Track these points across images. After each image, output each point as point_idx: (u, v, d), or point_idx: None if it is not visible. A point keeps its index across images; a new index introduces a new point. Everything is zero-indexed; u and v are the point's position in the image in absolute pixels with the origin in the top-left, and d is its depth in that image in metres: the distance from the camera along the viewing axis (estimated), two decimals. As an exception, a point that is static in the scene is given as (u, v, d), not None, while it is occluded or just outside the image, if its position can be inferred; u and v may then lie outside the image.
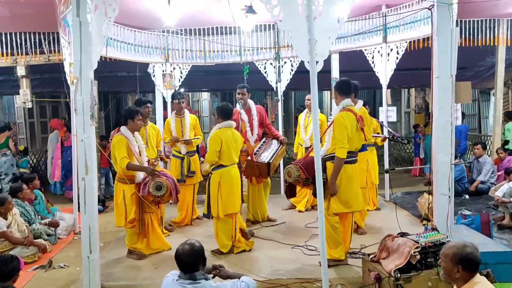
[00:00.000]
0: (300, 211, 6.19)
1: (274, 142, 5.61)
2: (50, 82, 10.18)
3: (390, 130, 6.08)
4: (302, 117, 6.36)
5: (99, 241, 3.79)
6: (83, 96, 3.45)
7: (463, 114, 9.78)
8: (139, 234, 4.62)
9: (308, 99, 6.07)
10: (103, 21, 3.62)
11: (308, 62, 3.25)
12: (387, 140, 5.97)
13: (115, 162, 4.43)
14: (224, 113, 4.64)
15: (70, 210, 6.00)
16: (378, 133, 5.98)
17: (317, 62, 3.27)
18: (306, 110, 6.33)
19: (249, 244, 4.78)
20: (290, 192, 4.80)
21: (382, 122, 6.30)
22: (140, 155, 4.57)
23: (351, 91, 4.28)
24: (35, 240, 4.81)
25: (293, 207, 6.35)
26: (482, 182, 7.12)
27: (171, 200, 4.61)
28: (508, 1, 6.25)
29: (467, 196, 6.98)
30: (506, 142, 8.75)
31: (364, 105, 5.89)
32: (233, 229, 4.62)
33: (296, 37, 3.26)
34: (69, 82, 5.46)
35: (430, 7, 3.76)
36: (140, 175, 4.53)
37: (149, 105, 5.32)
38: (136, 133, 4.63)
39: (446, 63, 3.67)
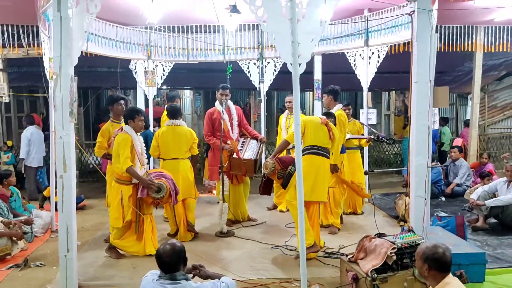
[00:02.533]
0: (281, 211, 6.23)
1: (253, 141, 5.64)
2: (29, 76, 9.94)
3: (374, 131, 6.16)
4: (283, 119, 6.36)
5: (77, 239, 3.74)
6: (62, 93, 3.40)
7: (446, 119, 10.02)
8: (136, 236, 4.54)
9: (289, 101, 6.07)
10: (85, 17, 3.57)
11: (291, 64, 3.28)
12: (371, 141, 6.04)
13: (116, 161, 4.31)
14: (171, 113, 5.17)
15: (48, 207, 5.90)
16: (363, 134, 6.06)
17: (299, 64, 3.30)
18: (287, 111, 6.31)
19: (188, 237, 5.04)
20: (265, 188, 4.89)
21: (365, 123, 6.38)
22: (141, 154, 4.52)
23: (329, 115, 4.93)
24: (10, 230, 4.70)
25: (275, 207, 6.38)
26: (458, 185, 7.30)
27: (170, 201, 4.57)
28: (485, 10, 6.42)
29: (443, 198, 7.15)
30: (441, 144, 9.04)
31: (347, 105, 6.00)
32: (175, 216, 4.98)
33: (279, 39, 3.29)
34: (48, 77, 5.36)
35: (411, 13, 3.83)
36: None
37: (122, 102, 5.03)
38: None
39: (424, 69, 3.75)
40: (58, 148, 3.44)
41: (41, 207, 6.42)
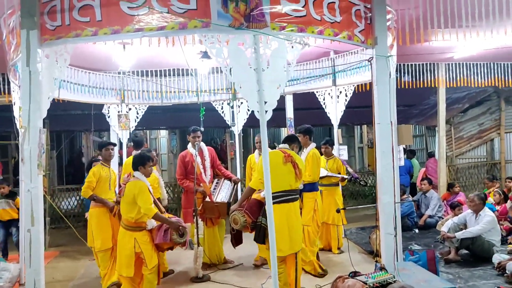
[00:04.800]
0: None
1: (227, 182, 5.67)
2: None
3: (350, 171, 6.28)
4: (255, 159, 6.01)
5: (46, 293, 3.63)
6: (30, 146, 3.40)
7: (413, 151, 10.33)
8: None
9: (259, 141, 5.81)
10: (54, 70, 3.64)
11: (257, 111, 3.40)
12: (346, 180, 6.14)
13: (131, 209, 4.21)
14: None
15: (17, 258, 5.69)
16: (339, 173, 6.12)
17: (266, 111, 3.42)
18: (257, 151, 6.03)
19: None
20: (236, 240, 4.66)
21: (345, 162, 6.48)
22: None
23: (291, 141, 4.57)
24: None
25: (265, 261, 5.60)
26: (430, 216, 7.46)
27: (184, 245, 4.49)
28: (444, 48, 6.82)
29: (416, 230, 7.27)
30: (411, 176, 9.34)
31: (326, 144, 6.13)
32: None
33: (245, 88, 3.42)
34: (18, 126, 5.32)
35: (370, 59, 4.05)
36: (153, 222, 4.36)
37: (110, 147, 5.28)
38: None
39: (385, 111, 3.93)
40: (26, 201, 3.40)
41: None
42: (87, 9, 3.34)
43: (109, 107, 7.57)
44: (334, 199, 6.09)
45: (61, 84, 6.16)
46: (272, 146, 7.84)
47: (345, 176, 6.03)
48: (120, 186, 5.34)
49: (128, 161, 5.76)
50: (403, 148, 5.42)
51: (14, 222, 6.33)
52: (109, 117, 7.62)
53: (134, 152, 5.87)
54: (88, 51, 5.93)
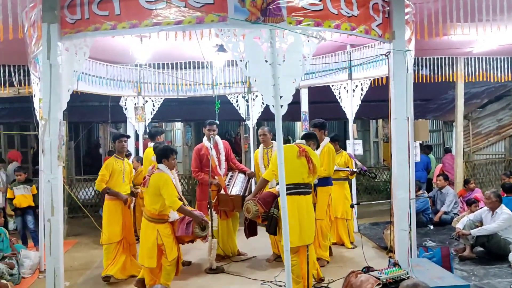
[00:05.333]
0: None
1: (241, 175, 5.71)
2: (19, 112, 10.02)
3: (358, 164, 6.26)
4: (258, 155, 5.82)
5: (65, 280, 3.73)
6: (51, 137, 3.48)
7: (430, 147, 10.19)
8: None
9: (263, 134, 5.71)
10: (74, 63, 3.71)
11: (273, 106, 3.42)
12: (355, 174, 6.13)
13: (155, 200, 4.27)
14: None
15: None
16: (348, 167, 6.11)
17: (281, 106, 3.44)
18: (261, 146, 5.80)
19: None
20: (250, 230, 4.79)
21: (352, 155, 6.48)
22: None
23: (309, 138, 4.62)
24: None
25: (277, 257, 5.55)
26: (445, 213, 7.39)
27: (205, 238, 4.58)
28: (463, 42, 6.70)
29: (431, 227, 7.21)
30: (428, 171, 9.20)
31: (334, 139, 6.09)
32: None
33: (261, 82, 3.44)
34: (38, 117, 5.44)
35: (387, 54, 4.02)
36: (175, 214, 4.44)
37: (123, 139, 5.27)
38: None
39: (402, 106, 3.90)
40: (46, 192, 3.50)
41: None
42: (106, 3, 3.39)
43: (126, 99, 7.67)
44: (343, 193, 6.08)
45: (80, 76, 6.27)
46: (286, 140, 7.75)
47: (354, 169, 6.02)
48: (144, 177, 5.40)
49: (147, 152, 5.86)
50: (419, 144, 5.37)
51: (30, 210, 6.50)
52: (126, 109, 7.72)
53: (150, 144, 5.95)
54: (106, 44, 6.00)
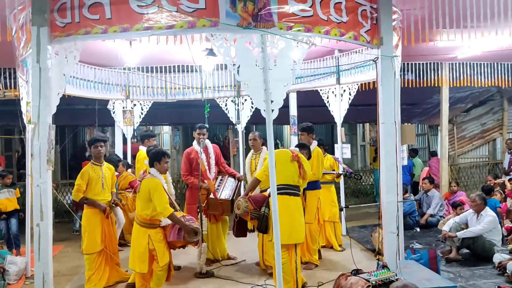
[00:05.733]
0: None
1: (231, 179, 5.72)
2: (4, 115, 9.83)
3: (344, 166, 6.33)
4: (247, 160, 5.85)
5: (52, 286, 3.68)
6: (40, 141, 3.45)
7: (416, 150, 10.36)
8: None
9: (253, 139, 5.70)
10: (64, 67, 3.69)
11: (264, 110, 3.45)
12: (341, 176, 6.20)
13: (146, 206, 4.22)
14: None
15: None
16: (334, 170, 6.19)
17: (272, 110, 3.47)
18: (252, 151, 5.80)
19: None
20: (239, 230, 4.85)
21: (338, 158, 6.57)
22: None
23: (303, 148, 4.89)
24: None
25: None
26: (431, 215, 7.51)
27: (197, 243, 4.51)
28: (448, 48, 6.85)
29: (418, 229, 7.32)
30: (412, 175, 9.39)
31: (319, 144, 6.15)
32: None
33: (252, 86, 3.48)
34: (25, 121, 5.37)
35: (375, 59, 4.09)
36: (167, 219, 4.33)
37: (99, 144, 5.01)
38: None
39: (390, 110, 3.97)
40: (35, 196, 3.46)
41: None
42: (97, 7, 3.38)
43: (114, 103, 7.62)
44: (330, 196, 6.13)
45: (67, 79, 6.20)
46: (274, 144, 7.79)
47: (340, 172, 6.09)
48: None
49: (139, 155, 5.81)
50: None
51: (15, 214, 6.42)
52: (114, 112, 7.66)
53: (141, 147, 5.91)
54: (94, 47, 5.95)
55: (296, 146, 4.94)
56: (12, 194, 6.44)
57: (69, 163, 11.71)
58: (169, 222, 4.35)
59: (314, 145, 5.50)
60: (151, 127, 12.12)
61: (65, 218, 8.85)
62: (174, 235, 4.28)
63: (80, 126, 11.69)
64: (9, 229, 6.36)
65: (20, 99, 5.39)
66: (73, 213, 6.23)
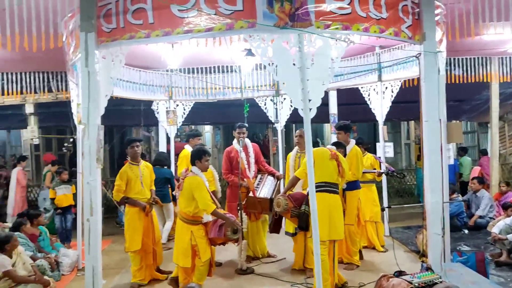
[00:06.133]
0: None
1: (270, 178, 5.75)
2: (57, 116, 10.37)
3: (386, 165, 6.19)
4: (291, 158, 5.61)
5: (102, 278, 3.88)
6: (90, 141, 3.65)
7: (465, 149, 9.92)
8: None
9: (300, 135, 5.52)
10: (111, 70, 3.88)
11: (301, 109, 3.45)
12: (383, 175, 6.06)
13: (189, 204, 4.34)
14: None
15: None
16: (375, 169, 6.05)
17: (310, 109, 3.47)
18: (296, 148, 5.62)
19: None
20: (275, 226, 4.96)
21: (379, 157, 6.42)
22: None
23: (338, 147, 4.83)
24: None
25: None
26: (480, 217, 7.17)
27: (237, 241, 4.60)
28: (497, 42, 6.51)
29: (466, 231, 7.02)
30: (460, 175, 8.90)
31: (358, 142, 6.05)
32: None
33: (290, 86, 3.49)
34: (75, 122, 5.69)
35: (417, 55, 3.97)
36: (209, 216, 4.48)
37: (135, 144, 5.14)
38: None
39: (434, 108, 3.85)
40: (85, 193, 3.66)
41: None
42: (140, 12, 3.52)
43: (157, 103, 7.88)
44: (371, 196, 6.03)
45: (115, 82, 6.50)
46: (315, 142, 7.75)
47: (381, 171, 5.94)
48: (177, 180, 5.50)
49: (182, 154, 5.99)
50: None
51: (69, 210, 6.82)
52: (157, 113, 7.93)
53: (186, 146, 6.04)
54: (139, 50, 6.20)
55: (332, 145, 4.92)
56: (68, 190, 6.85)
57: (117, 161, 12.22)
58: (211, 218, 4.45)
59: (352, 144, 5.41)
60: (193, 126, 12.40)
61: (114, 214, 9.27)
62: (215, 232, 4.37)
63: (127, 126, 12.16)
64: (64, 223, 6.77)
65: (71, 101, 5.71)
66: (118, 206, 6.48)
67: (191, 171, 4.53)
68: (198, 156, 4.53)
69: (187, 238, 4.39)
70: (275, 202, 4.67)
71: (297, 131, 5.73)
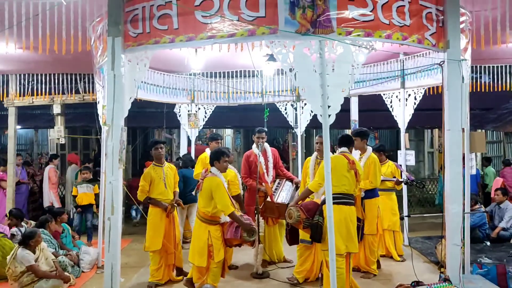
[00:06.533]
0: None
1: (288, 183, 5.74)
2: (83, 117, 10.73)
3: (406, 174, 6.10)
4: (310, 163, 5.36)
5: (120, 276, 3.98)
6: (113, 142, 3.76)
7: (489, 159, 9.66)
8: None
9: (320, 142, 5.26)
10: (135, 73, 3.99)
11: (321, 115, 3.47)
12: (402, 184, 5.97)
13: (208, 204, 4.39)
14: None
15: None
16: (394, 177, 5.97)
17: (329, 115, 3.48)
18: (315, 154, 5.39)
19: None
20: (292, 238, 4.80)
21: (400, 165, 6.33)
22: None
23: (349, 144, 4.70)
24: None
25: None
26: (504, 229, 6.98)
27: (253, 243, 4.61)
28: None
29: (488, 243, 6.84)
30: (485, 185, 8.63)
31: (380, 150, 5.98)
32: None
33: (309, 92, 3.51)
34: (101, 122, 5.85)
35: (441, 63, 3.93)
36: (226, 216, 4.51)
37: (159, 146, 5.22)
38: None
39: (456, 117, 3.79)
40: (107, 192, 3.77)
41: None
42: (166, 18, 3.62)
43: (180, 106, 8.02)
44: (390, 204, 5.93)
45: (139, 84, 6.66)
46: (334, 148, 7.70)
47: (400, 179, 5.84)
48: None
49: (200, 157, 6.08)
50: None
51: (90, 208, 6.98)
52: (180, 115, 8.07)
53: (207, 149, 6.09)
54: (163, 54, 6.33)
55: (340, 144, 4.65)
56: (89, 189, 7.00)
57: (139, 162, 12.46)
58: (228, 219, 4.50)
59: (369, 152, 5.33)
60: (214, 130, 12.52)
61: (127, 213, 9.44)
62: (232, 233, 4.42)
63: (150, 128, 12.39)
64: (85, 221, 6.94)
65: (97, 102, 5.88)
66: (136, 203, 6.55)
67: (210, 171, 4.59)
68: (217, 156, 4.59)
69: (204, 237, 4.44)
70: (287, 213, 4.50)
71: (317, 137, 5.60)
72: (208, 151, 6.23)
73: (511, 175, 8.52)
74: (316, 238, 4.36)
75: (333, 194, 3.65)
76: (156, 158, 5.25)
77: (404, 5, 3.60)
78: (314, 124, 8.32)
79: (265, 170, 5.66)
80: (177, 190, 5.48)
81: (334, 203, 3.95)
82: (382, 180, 5.65)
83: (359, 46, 3.64)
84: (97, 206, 7.11)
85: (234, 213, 4.38)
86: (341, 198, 4.26)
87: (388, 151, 6.47)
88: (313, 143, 13.71)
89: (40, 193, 8.64)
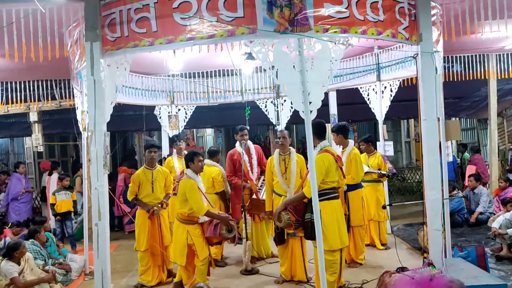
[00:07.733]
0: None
1: None
2: (60, 123, 10.54)
3: (389, 166, 6.20)
4: (274, 162, 5.02)
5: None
6: (96, 147, 3.74)
7: (465, 145, 9.97)
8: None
9: (284, 137, 5.04)
10: (116, 78, 3.97)
11: (303, 111, 3.54)
12: (384, 177, 6.11)
13: (183, 205, 4.52)
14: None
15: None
16: (380, 169, 6.08)
17: (311, 111, 3.56)
18: (278, 151, 5.08)
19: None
20: (279, 239, 4.75)
21: (385, 157, 6.41)
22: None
23: (324, 133, 4.57)
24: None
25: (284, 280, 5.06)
26: (481, 213, 7.25)
27: (234, 240, 4.64)
28: (494, 39, 6.59)
29: (467, 227, 7.10)
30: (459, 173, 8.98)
31: (368, 140, 6.11)
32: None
33: (290, 89, 3.57)
34: (80, 129, 5.78)
35: (415, 56, 4.06)
36: (204, 216, 4.59)
37: (152, 150, 5.27)
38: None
39: (431, 107, 3.93)
40: (93, 198, 3.75)
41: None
42: (144, 21, 3.62)
43: (160, 108, 7.98)
44: (376, 195, 6.06)
45: (117, 88, 6.60)
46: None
47: (383, 172, 5.97)
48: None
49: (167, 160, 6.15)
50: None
51: (68, 216, 6.94)
52: (160, 117, 8.03)
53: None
54: (141, 57, 6.28)
55: (318, 136, 4.43)
56: (68, 196, 6.95)
57: (119, 166, 12.31)
58: (207, 219, 4.60)
59: (350, 146, 5.34)
60: (194, 130, 12.50)
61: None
62: (210, 231, 4.55)
63: (129, 132, 12.26)
64: (65, 229, 6.87)
65: (76, 108, 5.81)
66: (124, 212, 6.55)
67: (185, 174, 4.69)
68: (191, 158, 4.71)
69: (183, 237, 4.56)
70: (276, 218, 4.36)
71: (279, 132, 5.26)
72: (174, 155, 6.26)
73: (482, 162, 8.84)
74: (312, 236, 4.21)
75: (326, 189, 3.76)
76: (148, 161, 5.32)
77: (378, 1, 3.70)
78: (295, 120, 8.44)
79: (249, 168, 5.72)
80: (170, 192, 5.49)
81: (324, 199, 4.13)
82: (368, 172, 5.78)
83: (336, 43, 3.73)
84: (75, 213, 7.20)
85: (209, 211, 4.50)
86: (331, 193, 4.30)
87: (374, 142, 6.55)
88: (294, 139, 13.86)
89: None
